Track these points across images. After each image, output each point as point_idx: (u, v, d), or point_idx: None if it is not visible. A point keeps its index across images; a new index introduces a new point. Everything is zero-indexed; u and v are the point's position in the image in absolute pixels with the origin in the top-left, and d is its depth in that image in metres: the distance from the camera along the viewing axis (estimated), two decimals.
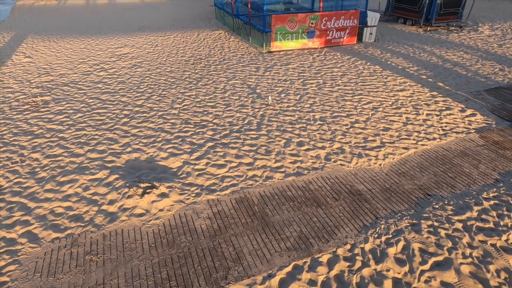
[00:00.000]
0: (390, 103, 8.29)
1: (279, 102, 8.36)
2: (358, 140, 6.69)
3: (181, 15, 19.69)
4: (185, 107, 8.18)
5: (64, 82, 9.78)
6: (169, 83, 9.63)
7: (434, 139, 6.75)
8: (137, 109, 8.09)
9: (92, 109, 8.11)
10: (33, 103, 8.43)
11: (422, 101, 8.40)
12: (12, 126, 7.35)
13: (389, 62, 11.21)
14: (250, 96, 8.64)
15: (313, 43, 12.60)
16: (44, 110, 8.07)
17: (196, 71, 10.55)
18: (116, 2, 25.21)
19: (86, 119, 7.63)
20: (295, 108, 8.03)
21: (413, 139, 6.74)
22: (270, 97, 8.34)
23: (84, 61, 11.57)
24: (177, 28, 16.33)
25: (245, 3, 14.94)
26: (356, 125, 7.27)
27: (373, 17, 13.32)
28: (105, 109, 8.10)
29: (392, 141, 6.69)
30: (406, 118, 7.57)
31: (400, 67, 10.78)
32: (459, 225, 4.62)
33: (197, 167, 5.91)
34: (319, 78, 9.88)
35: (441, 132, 6.98)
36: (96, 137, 6.88)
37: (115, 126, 7.28)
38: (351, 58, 11.64)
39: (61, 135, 6.97)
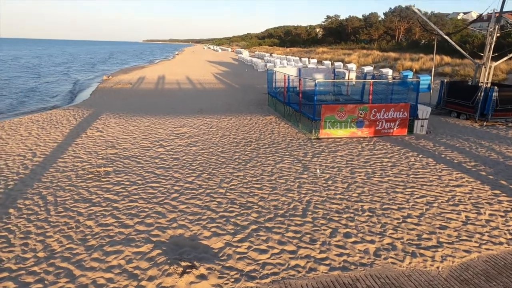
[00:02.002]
0: (446, 199, 7.79)
1: (326, 189, 8.26)
2: (411, 237, 6.21)
3: (236, 101, 21.42)
4: (232, 187, 8.38)
5: (126, 155, 10.69)
6: (220, 162, 10.09)
7: (501, 243, 6.06)
8: (187, 185, 8.44)
9: (147, 182, 8.62)
10: (96, 173, 9.20)
11: (483, 199, 7.79)
12: (75, 193, 7.97)
13: (443, 156, 10.84)
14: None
15: (362, 132, 12.77)
16: (104, 180, 8.73)
17: (246, 153, 11.01)
18: (181, 87, 28.33)
19: (140, 191, 8.07)
20: (342, 197, 7.84)
21: (475, 242, 6.10)
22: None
23: (146, 138, 12.71)
24: (232, 112, 17.64)
25: (296, 93, 15.98)
26: (409, 220, 6.83)
27: (424, 110, 13.39)
28: (158, 183, 8.57)
29: (450, 241, 6.11)
30: (466, 217, 6.98)
31: (455, 161, 10.35)
32: None
33: (239, 250, 5.79)
34: (368, 167, 9.75)
35: (509, 237, 6.27)
36: (146, 209, 7.17)
37: (165, 201, 7.58)
38: (402, 149, 11.48)
39: (115, 205, 7.38)
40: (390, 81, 16.42)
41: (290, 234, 6.27)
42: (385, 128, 12.95)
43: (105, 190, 8.14)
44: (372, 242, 6.04)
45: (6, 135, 13.10)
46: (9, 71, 43.93)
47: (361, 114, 12.56)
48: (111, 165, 9.85)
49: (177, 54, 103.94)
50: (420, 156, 10.77)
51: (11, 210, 7.13)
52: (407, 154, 10.96)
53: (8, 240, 6.05)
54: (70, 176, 9.02)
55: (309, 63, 44.54)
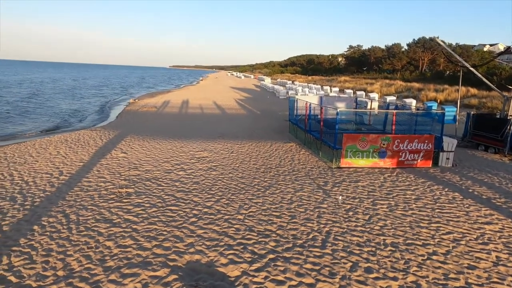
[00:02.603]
0: (475, 236, 7.40)
1: (346, 220, 8.05)
2: (437, 276, 5.89)
3: (257, 126, 21.63)
4: (250, 213, 8.31)
5: (147, 177, 10.89)
6: (239, 188, 10.09)
7: None
8: (205, 210, 8.45)
9: (166, 205, 8.69)
10: (118, 194, 9.38)
11: None
12: (97, 212, 8.13)
13: (470, 190, 10.41)
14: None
15: (384, 163, 12.52)
16: (125, 201, 8.87)
17: (266, 179, 10.98)
18: (204, 112, 28.98)
19: (159, 214, 8.14)
20: (363, 229, 7.61)
21: (508, 285, 5.71)
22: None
23: (167, 160, 12.94)
24: (252, 137, 17.78)
25: (318, 121, 16.00)
26: (434, 257, 6.51)
27: (449, 143, 13.05)
28: (177, 206, 8.62)
29: (480, 283, 5.75)
30: (497, 257, 6.59)
31: (484, 196, 9.90)
32: None
33: (255, 279, 5.65)
34: (391, 199, 9.47)
35: None
36: (165, 233, 7.19)
37: (184, 225, 7.59)
38: (426, 181, 11.13)
39: (134, 226, 7.45)
40: (414, 111, 16.19)
41: (308, 265, 6.09)
42: (408, 160, 12.65)
43: (126, 211, 8.26)
44: (395, 279, 5.77)
45: (37, 153, 13.68)
46: (46, 92, 46.48)
47: (383, 144, 12.37)
48: (133, 186, 10.03)
49: (201, 80, 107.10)
50: (446, 189, 10.39)
51: (35, 227, 7.32)
52: (432, 187, 10.61)
53: (30, 257, 6.18)
54: (93, 195, 9.23)
55: (331, 92, 44.73)
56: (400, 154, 12.53)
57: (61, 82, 70.40)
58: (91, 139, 16.58)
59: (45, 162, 12.46)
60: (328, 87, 48.61)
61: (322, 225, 7.72)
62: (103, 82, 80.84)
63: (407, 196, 9.72)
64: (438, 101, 30.33)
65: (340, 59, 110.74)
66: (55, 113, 27.80)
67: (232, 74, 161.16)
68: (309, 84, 57.42)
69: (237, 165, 12.53)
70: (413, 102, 27.36)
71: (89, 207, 8.45)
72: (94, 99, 40.53)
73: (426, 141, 12.57)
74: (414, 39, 73.12)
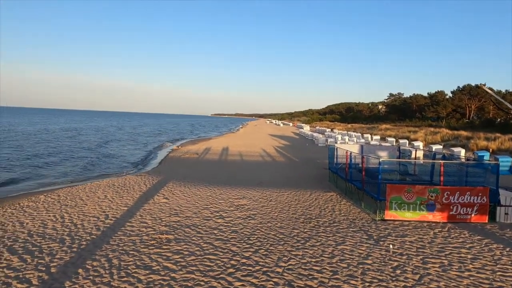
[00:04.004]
0: None
1: (393, 279, 7.44)
2: None
3: (296, 174, 21.45)
4: (290, 266, 7.98)
5: (187, 224, 11.00)
6: (278, 238, 9.83)
7: None
8: (244, 260, 8.26)
9: (205, 253, 8.63)
10: (158, 239, 9.51)
11: None
12: (137, 258, 8.24)
13: None
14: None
15: (433, 216, 11.69)
16: (165, 247, 8.95)
17: (305, 230, 10.63)
18: (243, 159, 29.45)
19: (197, 262, 8.07)
20: None
21: None
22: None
23: (207, 207, 13.06)
24: (291, 186, 17.58)
25: (359, 170, 15.58)
26: None
27: (508, 196, 11.99)
28: (215, 255, 8.52)
29: None
30: None
31: None
32: None
33: None
34: (443, 258, 8.68)
35: None
36: (202, 283, 7.06)
37: (221, 275, 7.43)
38: (483, 239, 10.14)
39: (173, 275, 7.42)
40: (464, 161, 15.30)
41: None
42: (460, 214, 11.72)
43: (165, 258, 8.30)
44: None
45: (86, 197, 14.48)
46: (95, 138, 50.23)
47: (431, 196, 11.65)
48: (173, 232, 10.15)
49: (241, 127, 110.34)
50: (508, 249, 9.36)
51: (80, 270, 7.54)
52: (491, 245, 9.62)
53: None
54: (135, 240, 9.44)
55: (372, 140, 43.87)
56: (451, 207, 11.67)
57: (109, 129, 76.33)
58: (136, 184, 17.32)
59: (93, 205, 13.11)
60: (369, 135, 47.80)
61: (367, 284, 7.18)
62: (158, 129, 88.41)
63: (462, 255, 8.87)
64: (491, 150, 28.45)
65: (380, 106, 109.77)
66: (104, 159, 29.69)
67: (271, 122, 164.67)
68: (349, 132, 56.88)
69: (276, 214, 12.33)
70: (462, 152, 25.97)
71: (131, 252, 8.61)
72: (141, 146, 42.97)
73: (480, 194, 11.67)
74: (458, 86, 71.29)
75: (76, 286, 6.85)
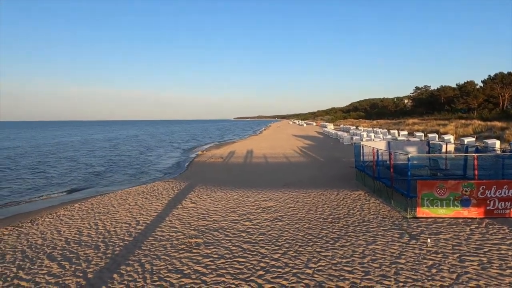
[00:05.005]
0: None
1: (429, 278, 7.18)
2: None
3: (322, 174, 21.19)
4: (320, 267, 7.88)
5: (215, 227, 11.12)
6: (306, 240, 9.73)
7: None
8: (273, 262, 8.24)
9: (234, 256, 8.69)
10: (188, 244, 9.67)
11: None
12: (169, 262, 8.42)
13: None
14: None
15: (469, 212, 11.18)
16: (195, 251, 9.09)
17: (334, 230, 10.47)
18: (267, 161, 29.44)
19: (227, 265, 8.14)
20: None
21: None
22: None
23: (234, 210, 13.15)
24: (317, 186, 17.38)
25: (387, 167, 15.17)
26: None
27: None
28: (244, 258, 8.56)
29: None
30: None
31: None
32: None
33: None
34: (482, 255, 8.28)
35: None
36: (233, 286, 7.11)
37: (251, 278, 7.45)
38: None
39: (203, 278, 7.52)
40: (499, 153, 14.56)
41: None
42: (498, 209, 11.14)
43: (195, 261, 8.42)
44: None
45: (118, 204, 14.96)
46: (134, 146, 51.85)
47: (466, 191, 11.15)
48: (202, 236, 10.29)
49: (264, 129, 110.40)
50: None
51: (115, 275, 7.79)
52: None
53: None
54: (166, 245, 9.64)
55: (399, 135, 42.67)
56: (488, 202, 11.12)
57: (140, 137, 78.67)
58: (164, 190, 17.71)
59: (124, 212, 13.53)
60: (395, 131, 46.55)
61: (401, 284, 6.97)
62: (190, 134, 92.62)
63: (503, 252, 8.42)
64: None
65: (406, 101, 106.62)
66: (133, 166, 30.60)
67: (294, 122, 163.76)
68: (374, 129, 55.62)
69: (303, 215, 12.22)
70: (497, 143, 24.74)
71: (162, 256, 8.80)
72: (168, 151, 43.93)
73: None
74: (490, 75, 67.99)
75: None
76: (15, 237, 11.00)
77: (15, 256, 9.32)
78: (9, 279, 7.86)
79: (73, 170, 28.34)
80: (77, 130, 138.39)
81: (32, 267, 8.47)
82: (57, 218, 13.23)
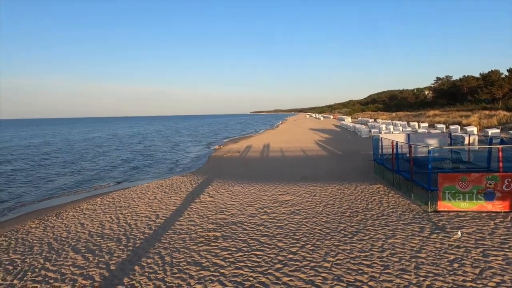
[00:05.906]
0: None
1: (451, 273, 7.03)
2: None
3: (339, 168, 20.98)
4: (338, 261, 7.85)
5: (233, 221, 11.22)
6: (324, 233, 9.69)
7: None
8: (290, 256, 8.26)
9: (251, 249, 8.75)
10: (206, 237, 9.81)
11: None
12: (188, 255, 8.57)
13: None
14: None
15: (493, 206, 10.84)
16: (213, 244, 9.21)
17: (352, 224, 10.38)
18: (284, 155, 29.37)
19: (245, 258, 8.21)
20: (474, 285, 6.52)
21: None
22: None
23: (251, 204, 13.22)
24: (335, 179, 17.23)
25: (407, 160, 14.87)
26: None
27: None
28: (262, 251, 8.61)
29: None
30: None
31: None
32: None
33: None
34: (507, 250, 8.03)
35: None
36: (251, 278, 7.18)
37: (269, 271, 7.50)
38: None
39: (222, 270, 7.62)
40: None
41: None
42: None
43: (214, 254, 8.54)
44: None
45: (138, 198, 15.31)
46: (160, 142, 52.89)
47: (490, 184, 10.80)
48: (220, 230, 10.41)
49: (281, 123, 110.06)
50: None
51: (136, 267, 8.01)
52: None
53: None
54: (185, 238, 9.81)
55: (419, 128, 41.64)
56: None
57: (163, 132, 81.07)
58: (183, 184, 17.98)
59: (144, 206, 13.83)
60: (415, 123, 45.47)
61: (422, 278, 6.85)
62: (214, 129, 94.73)
63: None
64: None
65: (426, 92, 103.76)
66: (152, 161, 31.20)
67: (311, 116, 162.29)
68: (393, 121, 54.48)
69: (321, 209, 12.16)
70: None
71: (181, 249, 8.97)
72: (187, 146, 44.56)
73: None
74: None
75: (134, 282, 7.28)
76: (42, 230, 11.45)
77: (42, 248, 9.71)
78: (37, 270, 8.20)
79: (112, 165, 29.45)
80: (101, 126, 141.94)
81: (58, 259, 8.80)
82: (80, 211, 13.67)
